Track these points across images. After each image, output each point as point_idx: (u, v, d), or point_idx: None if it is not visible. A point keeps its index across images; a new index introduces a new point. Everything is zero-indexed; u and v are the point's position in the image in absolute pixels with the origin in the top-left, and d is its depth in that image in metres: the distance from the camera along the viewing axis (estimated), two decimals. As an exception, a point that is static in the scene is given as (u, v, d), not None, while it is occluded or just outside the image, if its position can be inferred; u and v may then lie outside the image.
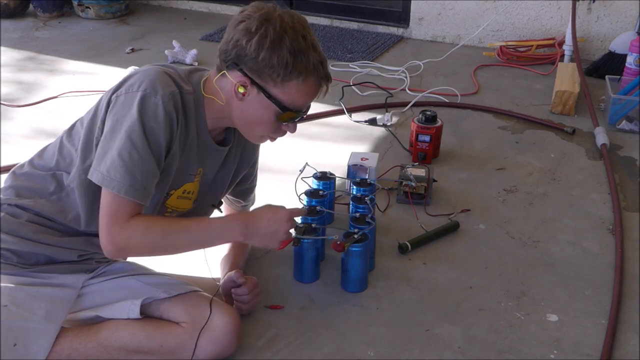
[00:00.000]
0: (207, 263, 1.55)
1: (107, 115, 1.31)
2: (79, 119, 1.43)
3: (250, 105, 1.34)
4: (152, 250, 1.35)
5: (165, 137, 1.29)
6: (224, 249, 1.67)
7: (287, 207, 1.44)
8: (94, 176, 1.28)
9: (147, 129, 1.27)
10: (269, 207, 1.43)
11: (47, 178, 1.40)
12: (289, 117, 1.36)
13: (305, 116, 1.40)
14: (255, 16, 1.28)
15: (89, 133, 1.36)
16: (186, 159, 1.39)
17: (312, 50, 1.30)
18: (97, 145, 1.31)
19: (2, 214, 1.37)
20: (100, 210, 1.30)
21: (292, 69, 1.28)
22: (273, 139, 1.44)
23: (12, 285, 1.32)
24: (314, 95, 1.36)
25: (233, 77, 1.32)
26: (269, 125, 1.37)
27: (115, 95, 1.31)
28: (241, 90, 1.32)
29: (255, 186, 1.72)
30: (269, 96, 1.31)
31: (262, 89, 1.31)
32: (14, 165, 2.17)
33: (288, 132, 1.43)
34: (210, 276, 1.56)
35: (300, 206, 1.65)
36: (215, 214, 1.60)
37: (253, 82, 1.31)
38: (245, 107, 1.35)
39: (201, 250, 1.54)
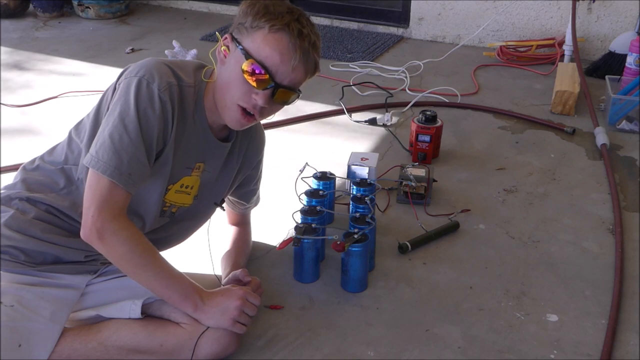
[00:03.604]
0: (212, 259, 1.56)
1: (110, 103, 1.33)
2: (86, 115, 1.44)
3: (228, 67, 1.34)
4: (118, 258, 1.30)
5: (159, 126, 1.30)
6: (225, 247, 1.68)
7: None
8: (85, 158, 1.29)
9: (141, 114, 1.28)
10: (228, 287, 1.43)
11: (57, 173, 1.41)
12: (252, 70, 1.28)
13: (275, 91, 1.30)
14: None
15: (95, 123, 1.37)
16: (183, 152, 1.39)
17: (295, 22, 1.29)
18: None
19: (12, 210, 1.37)
20: (85, 192, 1.29)
21: (262, 16, 1.28)
22: (245, 113, 1.34)
23: (19, 285, 1.32)
24: (283, 54, 1.28)
25: (223, 42, 1.35)
26: (238, 87, 1.31)
27: (118, 83, 1.34)
28: (223, 49, 1.34)
29: (258, 188, 1.72)
30: (239, 45, 1.31)
31: (235, 40, 1.32)
32: (13, 165, 2.19)
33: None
34: (213, 273, 1.57)
35: (258, 289, 1.51)
36: (218, 212, 1.60)
37: (233, 39, 1.32)
38: (224, 70, 1.35)
39: (205, 247, 1.55)
